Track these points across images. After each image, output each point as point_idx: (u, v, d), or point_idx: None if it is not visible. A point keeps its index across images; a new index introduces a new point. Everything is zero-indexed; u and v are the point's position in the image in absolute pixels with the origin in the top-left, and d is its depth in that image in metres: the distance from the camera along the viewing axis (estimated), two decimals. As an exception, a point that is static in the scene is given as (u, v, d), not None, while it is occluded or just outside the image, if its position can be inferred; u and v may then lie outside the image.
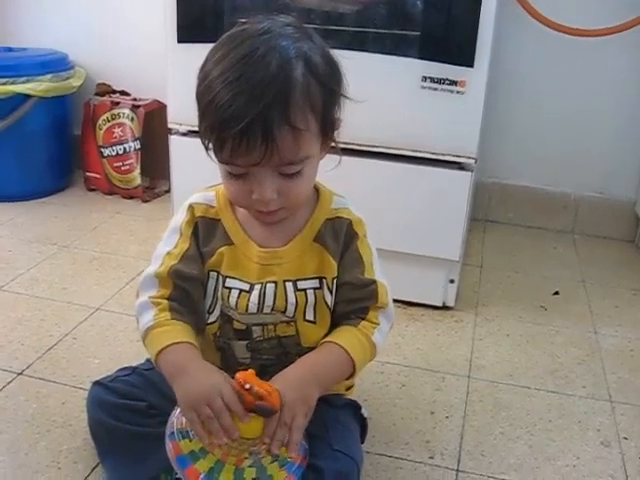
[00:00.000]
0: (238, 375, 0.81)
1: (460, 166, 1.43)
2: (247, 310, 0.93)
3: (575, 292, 1.72)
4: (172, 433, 0.83)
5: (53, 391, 1.21)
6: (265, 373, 0.87)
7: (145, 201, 2.16)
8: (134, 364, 1.06)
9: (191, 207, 0.96)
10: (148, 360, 1.01)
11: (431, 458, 1.10)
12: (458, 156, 1.42)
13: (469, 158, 1.42)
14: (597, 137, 2.02)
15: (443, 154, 1.42)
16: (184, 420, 0.83)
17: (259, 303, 0.93)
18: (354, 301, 0.95)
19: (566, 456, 1.12)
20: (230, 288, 0.93)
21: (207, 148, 0.85)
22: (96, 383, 1.02)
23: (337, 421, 0.95)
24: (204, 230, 0.95)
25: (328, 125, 0.87)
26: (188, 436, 0.82)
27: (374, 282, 0.95)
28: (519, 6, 1.85)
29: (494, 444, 1.14)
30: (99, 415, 0.97)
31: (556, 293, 1.70)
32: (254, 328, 0.94)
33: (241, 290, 0.93)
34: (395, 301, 1.50)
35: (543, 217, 2.11)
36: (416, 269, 1.53)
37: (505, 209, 2.14)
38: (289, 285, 0.93)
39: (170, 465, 0.82)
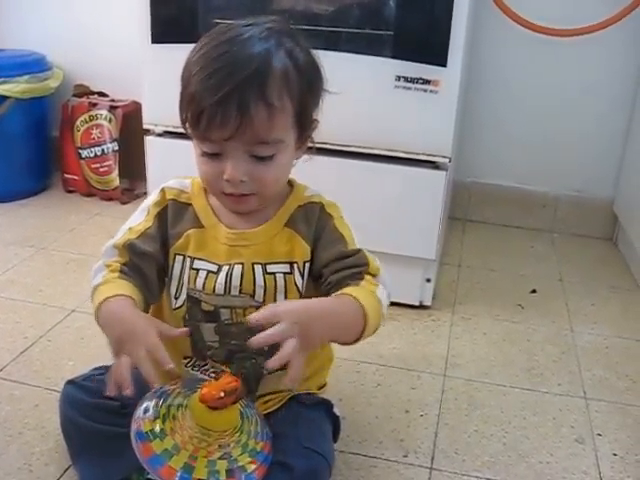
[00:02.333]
0: (204, 392, 0.81)
1: (435, 165, 1.43)
2: (214, 291, 0.93)
3: (552, 290, 1.73)
4: (141, 434, 0.82)
5: (26, 393, 1.20)
6: (232, 359, 0.88)
7: (124, 203, 2.14)
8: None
9: (163, 190, 0.98)
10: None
11: (405, 456, 1.10)
12: (433, 155, 1.42)
13: (444, 157, 1.42)
14: (575, 136, 2.04)
15: (417, 153, 1.42)
16: (151, 420, 0.82)
17: (226, 284, 0.93)
18: (345, 268, 0.93)
19: (540, 453, 1.13)
20: (198, 269, 0.94)
21: (185, 123, 0.88)
22: (69, 382, 1.01)
23: (308, 419, 0.95)
24: (173, 213, 0.96)
25: (304, 117, 0.89)
26: (159, 435, 0.82)
27: (360, 250, 0.95)
28: (496, 6, 1.86)
29: (468, 442, 1.14)
30: (71, 414, 0.97)
31: (533, 291, 1.71)
32: (222, 310, 0.94)
33: (209, 271, 0.94)
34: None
35: (522, 216, 2.12)
36: (392, 268, 1.50)
37: (484, 208, 2.14)
38: (258, 268, 0.93)
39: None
